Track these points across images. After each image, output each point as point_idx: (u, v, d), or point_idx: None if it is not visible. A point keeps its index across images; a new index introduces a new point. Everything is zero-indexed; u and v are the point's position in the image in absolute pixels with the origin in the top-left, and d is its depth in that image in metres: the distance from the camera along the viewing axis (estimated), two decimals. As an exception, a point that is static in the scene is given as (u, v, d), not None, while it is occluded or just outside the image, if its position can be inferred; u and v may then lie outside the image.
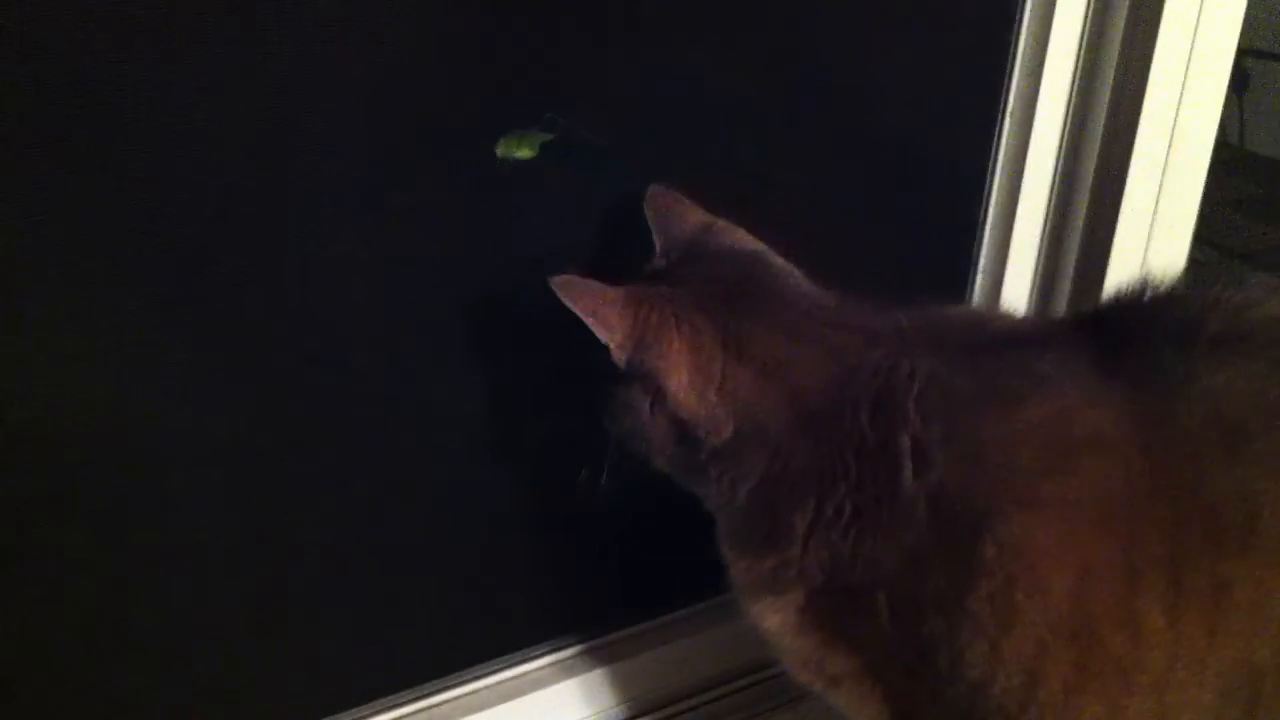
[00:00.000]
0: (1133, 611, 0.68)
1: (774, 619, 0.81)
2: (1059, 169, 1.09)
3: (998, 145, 1.08)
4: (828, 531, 0.75)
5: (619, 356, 0.80)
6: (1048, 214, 1.12)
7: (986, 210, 1.11)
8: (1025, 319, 0.82)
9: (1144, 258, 1.10)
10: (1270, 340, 0.72)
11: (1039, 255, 1.14)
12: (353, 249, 0.87)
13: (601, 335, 0.79)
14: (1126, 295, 0.79)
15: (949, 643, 0.71)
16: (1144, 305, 0.78)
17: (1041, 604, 0.69)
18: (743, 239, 0.86)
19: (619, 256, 0.87)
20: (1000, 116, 1.07)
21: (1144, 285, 0.79)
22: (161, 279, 0.80)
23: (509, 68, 0.87)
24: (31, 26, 0.68)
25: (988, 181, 1.10)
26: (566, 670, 1.11)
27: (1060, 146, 1.08)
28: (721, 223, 0.87)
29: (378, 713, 1.04)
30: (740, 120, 0.98)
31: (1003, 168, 1.09)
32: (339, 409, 0.92)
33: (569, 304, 0.78)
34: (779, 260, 0.85)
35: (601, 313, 0.79)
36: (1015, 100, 1.06)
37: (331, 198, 0.85)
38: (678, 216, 0.88)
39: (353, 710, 1.03)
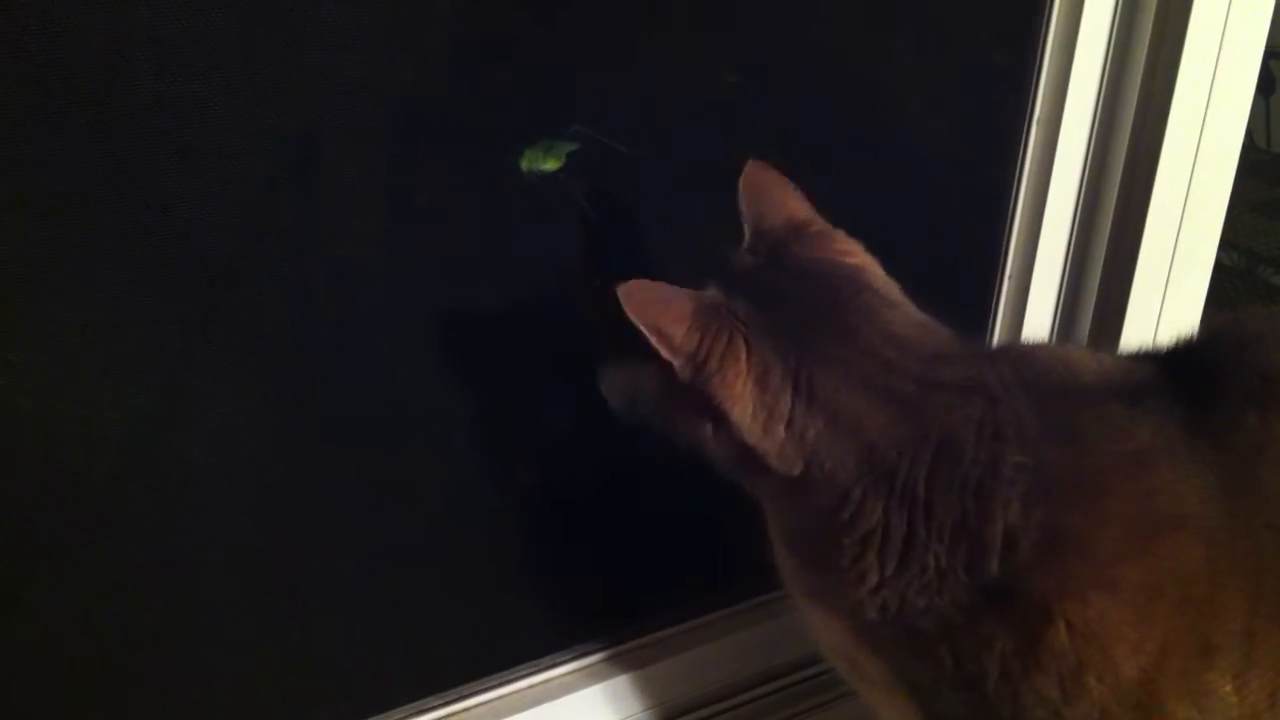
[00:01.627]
0: (1202, 683, 0.67)
1: (820, 620, 0.79)
2: (1086, 173, 1.09)
3: (1025, 149, 1.08)
4: (905, 586, 0.71)
5: (680, 374, 0.74)
6: (1075, 217, 1.11)
7: (1014, 214, 1.11)
8: (1116, 363, 0.78)
9: (1171, 261, 1.10)
10: None
11: (1066, 258, 1.13)
12: (370, 257, 0.87)
13: (663, 352, 0.73)
14: (1213, 335, 0.77)
15: (1011, 701, 0.70)
16: (1229, 351, 0.75)
17: (1112, 684, 0.67)
18: (840, 249, 0.79)
19: (646, 266, 0.85)
20: (1027, 121, 1.06)
21: (1230, 324, 0.76)
22: (173, 284, 0.80)
23: (531, 76, 0.87)
24: (46, 30, 0.68)
25: (1015, 185, 1.09)
26: (592, 676, 1.10)
27: (1088, 150, 1.08)
28: (819, 224, 0.80)
29: (402, 719, 1.04)
30: (765, 131, 0.98)
31: (1030, 171, 1.09)
32: (360, 416, 0.92)
33: (631, 315, 0.72)
34: (879, 280, 0.78)
35: (666, 331, 0.73)
36: (1042, 105, 1.06)
37: (349, 205, 0.85)
38: (774, 204, 0.80)
39: (378, 717, 1.02)
